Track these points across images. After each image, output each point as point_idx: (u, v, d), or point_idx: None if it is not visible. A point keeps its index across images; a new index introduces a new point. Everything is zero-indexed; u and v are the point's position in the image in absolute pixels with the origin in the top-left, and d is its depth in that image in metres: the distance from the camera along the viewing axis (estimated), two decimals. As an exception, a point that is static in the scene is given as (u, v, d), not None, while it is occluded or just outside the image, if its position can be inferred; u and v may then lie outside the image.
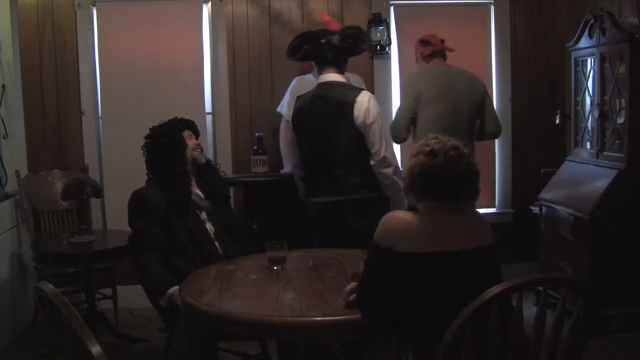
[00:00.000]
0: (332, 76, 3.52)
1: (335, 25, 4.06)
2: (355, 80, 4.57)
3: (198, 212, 3.21)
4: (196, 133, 3.35)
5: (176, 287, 2.86)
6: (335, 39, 3.50)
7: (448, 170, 2.11)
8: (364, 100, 3.40)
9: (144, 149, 3.24)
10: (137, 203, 3.12)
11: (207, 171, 3.34)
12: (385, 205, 3.51)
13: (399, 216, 2.16)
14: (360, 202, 3.44)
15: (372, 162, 3.43)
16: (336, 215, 3.47)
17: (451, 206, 2.16)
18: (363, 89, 3.52)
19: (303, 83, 4.29)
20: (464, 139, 3.80)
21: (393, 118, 4.12)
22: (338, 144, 3.45)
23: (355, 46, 3.54)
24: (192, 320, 2.74)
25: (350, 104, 3.40)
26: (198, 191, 3.28)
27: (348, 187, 3.44)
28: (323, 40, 3.49)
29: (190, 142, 3.27)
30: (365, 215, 3.39)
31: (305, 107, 3.58)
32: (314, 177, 3.58)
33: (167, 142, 3.19)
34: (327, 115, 3.47)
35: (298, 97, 3.71)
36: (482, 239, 2.14)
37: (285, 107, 4.45)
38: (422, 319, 2.08)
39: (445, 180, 2.12)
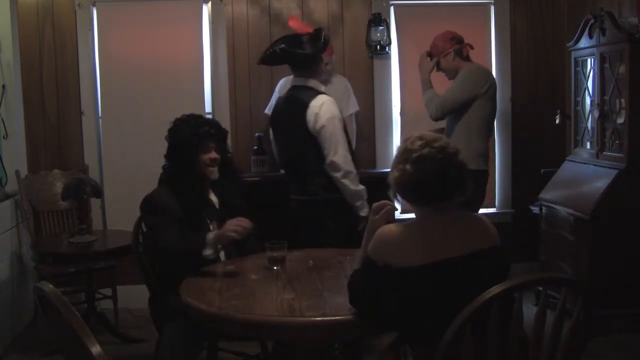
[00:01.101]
0: (299, 80, 3.56)
1: (305, 27, 4.03)
2: (341, 81, 4.61)
3: (209, 221, 3.09)
4: (219, 141, 3.13)
5: (211, 233, 2.89)
6: (305, 40, 3.49)
7: (439, 175, 2.09)
8: (315, 105, 3.41)
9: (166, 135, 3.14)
10: (150, 205, 3.03)
11: (224, 181, 3.18)
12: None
13: (392, 230, 2.13)
14: (327, 202, 3.48)
15: (325, 165, 3.46)
16: (306, 214, 3.54)
17: (445, 206, 2.14)
18: (321, 93, 3.48)
19: (288, 83, 4.29)
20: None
21: (425, 104, 4.18)
22: (300, 146, 3.50)
23: (314, 50, 3.50)
24: (178, 328, 2.76)
25: (304, 108, 3.43)
26: (213, 197, 3.17)
27: (314, 187, 3.49)
28: (275, 48, 3.48)
29: (206, 157, 3.05)
30: (334, 215, 3.47)
31: (276, 108, 3.74)
32: (288, 176, 3.71)
33: (180, 147, 3.04)
34: (288, 118, 3.55)
35: (279, 98, 3.87)
36: (480, 242, 2.12)
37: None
38: (422, 324, 2.07)
39: (435, 185, 2.10)
